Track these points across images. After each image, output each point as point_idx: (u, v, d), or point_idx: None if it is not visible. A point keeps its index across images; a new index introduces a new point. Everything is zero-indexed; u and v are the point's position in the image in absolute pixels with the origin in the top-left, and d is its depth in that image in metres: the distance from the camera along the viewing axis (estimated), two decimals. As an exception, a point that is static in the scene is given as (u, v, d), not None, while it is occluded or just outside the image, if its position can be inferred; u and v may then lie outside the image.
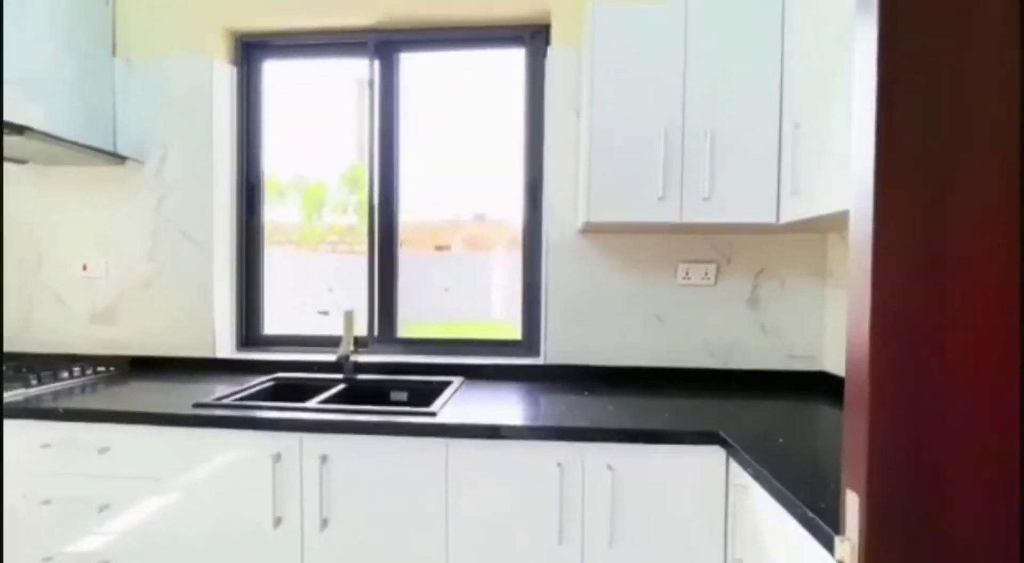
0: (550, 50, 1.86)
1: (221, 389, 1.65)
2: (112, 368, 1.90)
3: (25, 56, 1.63)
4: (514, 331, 2.02)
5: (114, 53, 1.96)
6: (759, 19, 1.47)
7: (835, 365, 1.72)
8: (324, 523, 1.37)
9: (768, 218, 1.48)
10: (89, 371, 1.82)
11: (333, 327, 1.92)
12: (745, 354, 1.82)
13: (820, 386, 1.74)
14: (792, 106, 1.42)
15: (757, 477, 1.08)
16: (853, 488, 0.59)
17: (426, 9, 1.92)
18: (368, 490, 1.36)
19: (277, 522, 1.37)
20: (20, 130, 1.57)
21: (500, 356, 1.97)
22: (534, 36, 1.95)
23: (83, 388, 1.69)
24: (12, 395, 1.53)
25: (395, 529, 1.36)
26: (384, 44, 2.01)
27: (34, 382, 1.61)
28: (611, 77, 1.51)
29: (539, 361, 1.91)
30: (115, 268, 2.02)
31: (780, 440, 1.24)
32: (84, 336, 2.03)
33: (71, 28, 1.80)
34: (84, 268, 2.02)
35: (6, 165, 1.99)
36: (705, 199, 1.49)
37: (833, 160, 1.19)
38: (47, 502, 1.44)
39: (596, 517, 1.30)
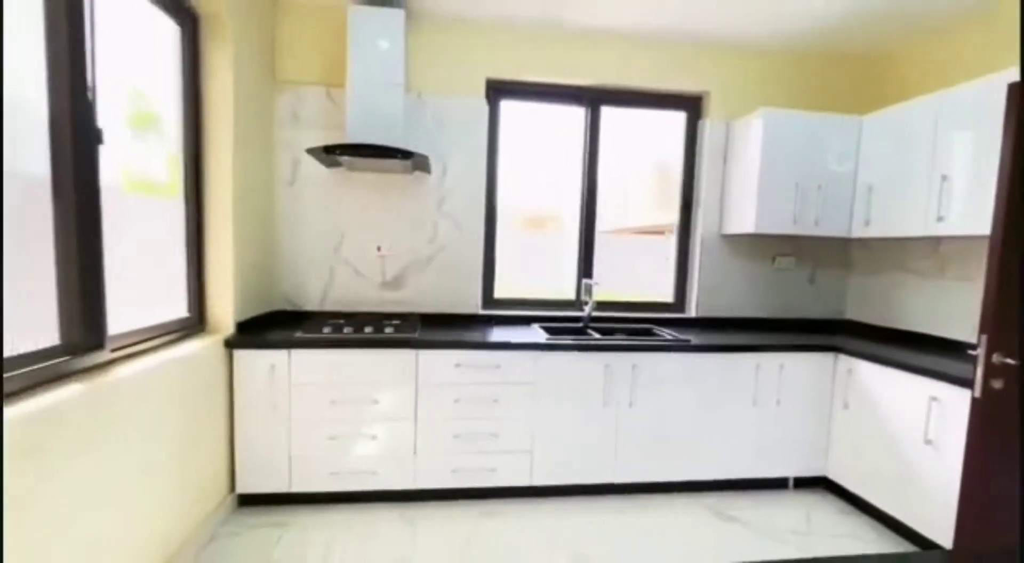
0: (707, 120, 2.93)
1: (532, 330, 2.55)
2: (401, 321, 2.64)
3: (373, 102, 2.34)
4: (665, 297, 3.11)
5: (407, 87, 2.64)
6: (844, 129, 2.67)
7: (854, 314, 3.05)
8: (631, 404, 2.38)
9: (843, 234, 2.72)
10: (388, 322, 2.57)
11: (529, 293, 2.87)
12: (804, 310, 3.10)
13: (845, 327, 3.07)
14: (867, 172, 2.65)
15: (864, 357, 2.31)
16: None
17: (625, 80, 2.86)
18: (648, 383, 2.40)
19: (605, 403, 2.36)
20: (358, 149, 2.25)
21: (657, 312, 3.05)
22: (691, 105, 3.00)
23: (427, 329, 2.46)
24: (396, 333, 2.29)
25: (662, 410, 2.42)
26: (594, 99, 2.92)
27: (390, 327, 2.38)
28: (775, 144, 2.62)
29: (690, 315, 3.03)
30: (402, 249, 2.74)
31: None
32: (375, 298, 2.74)
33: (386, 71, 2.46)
34: (378, 249, 2.72)
35: (317, 166, 2.60)
36: (814, 221, 2.68)
37: (882, 210, 2.44)
38: (457, 401, 2.27)
39: (787, 387, 2.48)
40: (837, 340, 2.64)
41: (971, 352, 1.72)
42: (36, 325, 1.35)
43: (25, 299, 1.31)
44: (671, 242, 3.12)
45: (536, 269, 3.11)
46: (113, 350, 1.57)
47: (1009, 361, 1.63)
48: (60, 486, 1.25)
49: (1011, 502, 1.62)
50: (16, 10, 1.24)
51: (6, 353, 1.21)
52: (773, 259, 3.04)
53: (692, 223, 3.04)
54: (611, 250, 3.13)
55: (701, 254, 2.99)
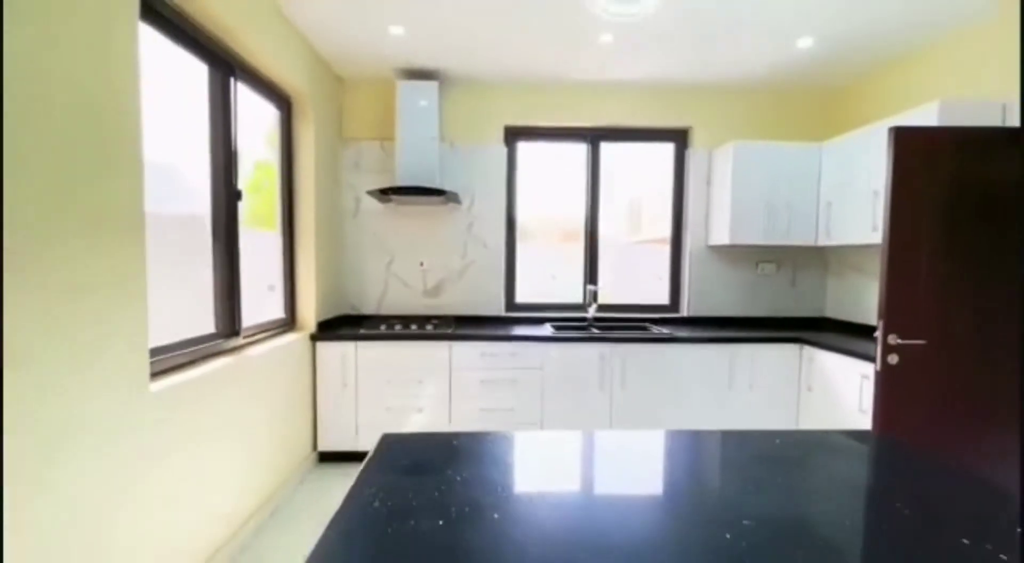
0: (692, 149, 3.47)
1: (536, 328, 3.15)
2: (439, 321, 3.30)
3: (417, 153, 3.05)
4: (661, 298, 3.63)
5: (441, 138, 3.34)
6: (806, 155, 3.14)
7: (831, 312, 3.45)
8: (623, 386, 2.93)
9: (811, 242, 3.17)
10: (430, 322, 3.24)
11: (541, 297, 3.46)
12: (787, 310, 3.53)
13: (824, 324, 3.47)
14: (826, 191, 3.11)
15: (820, 347, 2.76)
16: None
17: (620, 120, 3.46)
18: (637, 370, 2.93)
19: (600, 386, 2.92)
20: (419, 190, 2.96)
21: (656, 313, 3.57)
22: (678, 138, 3.55)
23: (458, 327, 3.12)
24: (438, 330, 2.95)
25: (649, 392, 2.94)
26: (594, 137, 3.53)
27: (428, 327, 3.04)
28: (744, 171, 3.14)
29: (682, 314, 3.53)
30: (438, 264, 3.43)
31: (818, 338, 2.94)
32: (418, 304, 3.44)
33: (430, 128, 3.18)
34: (421, 264, 3.42)
35: (373, 202, 3.34)
36: (783, 232, 3.15)
37: (840, 222, 2.89)
38: (482, 382, 2.90)
39: (757, 373, 2.95)
40: (804, 334, 3.08)
41: (875, 336, 2.18)
42: (201, 319, 2.10)
43: (196, 303, 2.07)
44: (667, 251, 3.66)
45: (557, 277, 3.71)
46: (244, 337, 2.32)
47: (900, 340, 2.09)
48: (213, 422, 1.97)
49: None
50: (192, 109, 2.02)
51: (189, 335, 1.95)
52: (756, 265, 3.51)
53: (682, 236, 3.57)
54: (622, 258, 3.70)
55: (690, 263, 3.51)
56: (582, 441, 1.32)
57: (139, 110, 1.48)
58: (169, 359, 1.77)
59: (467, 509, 0.87)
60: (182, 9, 1.83)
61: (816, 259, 3.51)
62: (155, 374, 1.65)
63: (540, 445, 1.27)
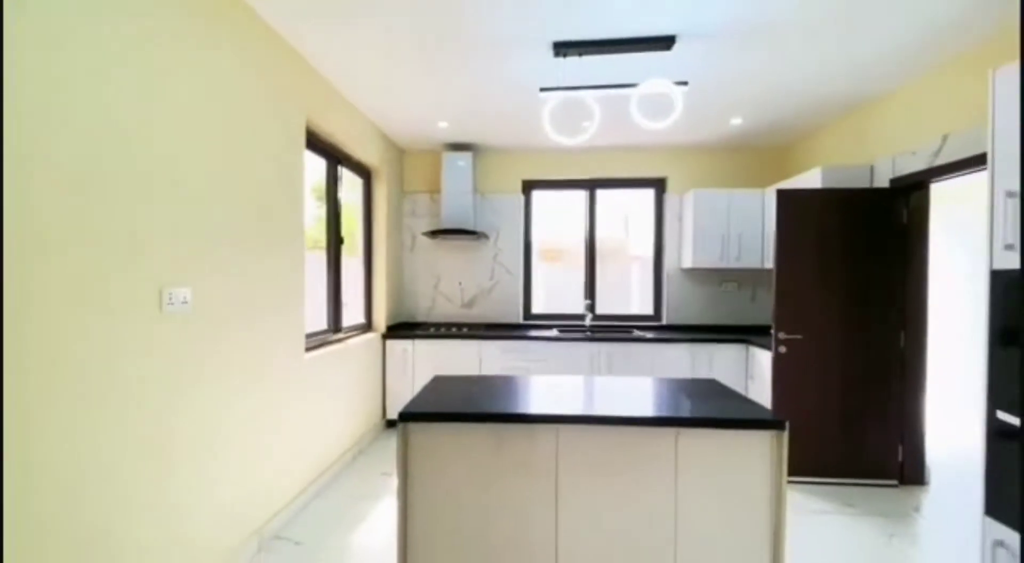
0: (668, 193, 4.47)
1: (549, 332, 4.20)
2: (472, 327, 4.40)
3: (457, 203, 4.21)
4: (647, 310, 4.59)
5: (474, 191, 4.50)
6: (753, 199, 4.08)
7: (785, 322, 4.30)
8: (609, 370, 3.92)
9: (758, 266, 4.08)
10: (465, 327, 4.34)
11: (552, 309, 4.50)
12: (748, 320, 4.41)
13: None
14: (768, 226, 4.02)
15: (755, 345, 3.66)
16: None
17: (611, 173, 4.51)
18: (620, 363, 3.91)
19: (589, 370, 3.92)
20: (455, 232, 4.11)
21: (643, 321, 4.54)
22: (658, 185, 4.56)
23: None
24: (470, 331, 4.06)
25: (628, 378, 3.91)
26: (592, 185, 4.60)
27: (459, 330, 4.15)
28: (703, 211, 4.11)
29: (663, 323, 4.49)
30: (472, 284, 4.57)
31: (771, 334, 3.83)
32: (457, 314, 4.57)
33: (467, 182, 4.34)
34: (460, 284, 4.56)
35: (424, 239, 4.53)
36: (735, 258, 4.08)
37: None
38: (503, 369, 3.96)
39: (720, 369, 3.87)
40: (751, 337, 3.96)
41: (771, 333, 3.10)
42: (320, 319, 3.29)
43: (317, 308, 3.27)
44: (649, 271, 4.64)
45: (560, 293, 4.76)
46: (344, 333, 3.50)
47: (786, 336, 3.00)
48: (331, 384, 3.14)
49: (792, 413, 2.96)
50: (308, 189, 3.26)
51: (313, 329, 3.14)
52: (720, 284, 4.43)
53: (662, 261, 4.55)
54: (618, 274, 4.71)
55: (667, 282, 4.47)
56: (571, 379, 2.37)
57: (303, 187, 2.70)
58: (310, 340, 2.96)
59: (492, 389, 1.95)
60: (319, 135, 3.07)
61: (770, 279, 4.39)
62: (307, 349, 2.83)
63: (544, 382, 2.32)
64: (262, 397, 2.34)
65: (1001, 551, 1.72)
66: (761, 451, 1.70)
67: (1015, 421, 1.63)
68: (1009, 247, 1.66)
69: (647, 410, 1.94)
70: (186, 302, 1.82)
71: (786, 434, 1.67)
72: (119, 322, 1.55)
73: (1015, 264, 1.63)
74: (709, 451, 1.71)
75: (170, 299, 1.74)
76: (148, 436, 1.67)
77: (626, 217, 4.77)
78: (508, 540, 1.75)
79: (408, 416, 1.73)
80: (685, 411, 1.83)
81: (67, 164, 1.38)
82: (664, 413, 1.84)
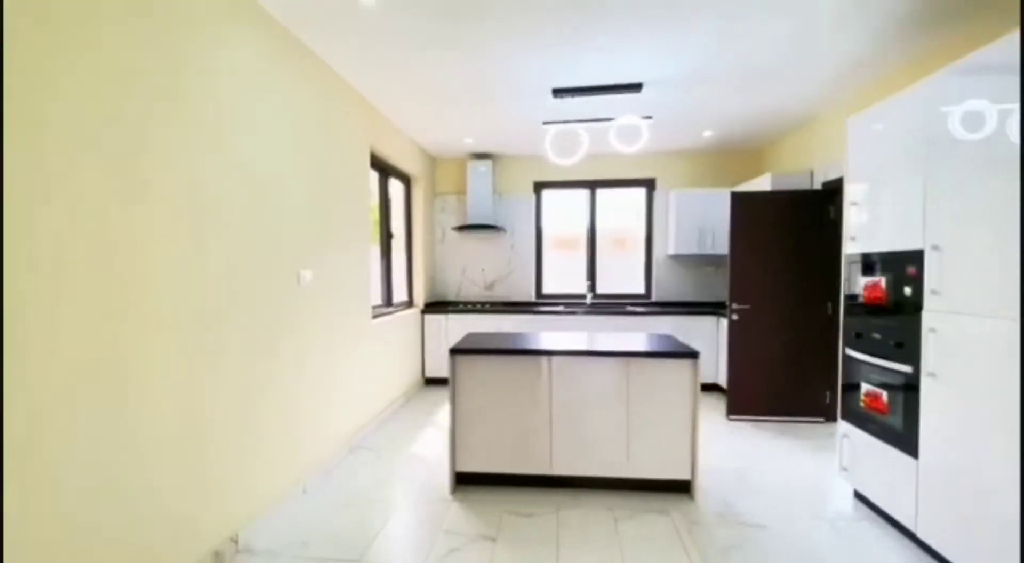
0: (657, 192, 5.31)
1: (556, 307, 5.12)
2: (493, 304, 5.34)
3: (479, 202, 5.13)
4: (640, 289, 5.47)
5: (494, 192, 5.40)
6: (725, 197, 4.90)
7: (755, 299, 5.14)
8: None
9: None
10: (487, 305, 5.28)
11: (560, 289, 5.41)
12: (719, 297, 5.25)
13: (750, 306, 5.17)
14: (736, 219, 4.85)
15: (721, 316, 4.52)
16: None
17: (610, 175, 5.37)
18: (614, 330, 4.82)
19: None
20: (485, 227, 5.04)
21: (636, 299, 5.42)
22: (648, 184, 5.40)
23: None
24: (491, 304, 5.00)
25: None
26: (593, 185, 5.47)
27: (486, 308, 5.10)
28: (683, 207, 4.95)
29: (652, 300, 5.36)
30: (493, 269, 5.51)
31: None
32: (481, 294, 5.53)
33: (489, 183, 5.25)
34: (482, 270, 5.51)
35: (453, 233, 5.47)
36: (710, 246, 4.92)
37: (744, 239, 4.63)
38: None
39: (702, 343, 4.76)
40: (722, 310, 4.81)
41: (727, 304, 3.96)
42: (376, 296, 4.27)
43: (375, 288, 4.26)
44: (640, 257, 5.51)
45: (567, 275, 5.67)
46: (393, 307, 4.48)
47: (738, 306, 3.87)
48: (384, 348, 4.13)
49: (741, 366, 3.84)
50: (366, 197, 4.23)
51: (372, 303, 4.12)
52: (700, 267, 5.28)
53: (652, 248, 5.41)
54: (614, 259, 5.59)
55: (656, 266, 5.34)
56: (563, 333, 3.30)
57: (369, 197, 3.66)
58: (373, 311, 3.94)
59: (508, 338, 2.89)
60: (377, 156, 4.01)
61: (744, 262, 5.22)
62: (372, 317, 3.81)
63: (543, 335, 3.25)
64: (352, 349, 3.33)
65: (846, 441, 2.61)
66: (684, 373, 2.62)
67: (859, 355, 2.52)
68: (853, 239, 2.54)
69: (610, 348, 2.86)
70: (309, 281, 2.79)
71: (699, 361, 2.59)
72: (281, 288, 2.53)
73: (858, 250, 2.52)
74: (649, 373, 2.63)
75: (300, 279, 2.72)
76: (295, 371, 2.65)
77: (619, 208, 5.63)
78: (520, 429, 2.70)
79: (456, 351, 2.69)
80: (634, 348, 2.75)
81: (247, 192, 2.35)
82: (619, 349, 2.76)
